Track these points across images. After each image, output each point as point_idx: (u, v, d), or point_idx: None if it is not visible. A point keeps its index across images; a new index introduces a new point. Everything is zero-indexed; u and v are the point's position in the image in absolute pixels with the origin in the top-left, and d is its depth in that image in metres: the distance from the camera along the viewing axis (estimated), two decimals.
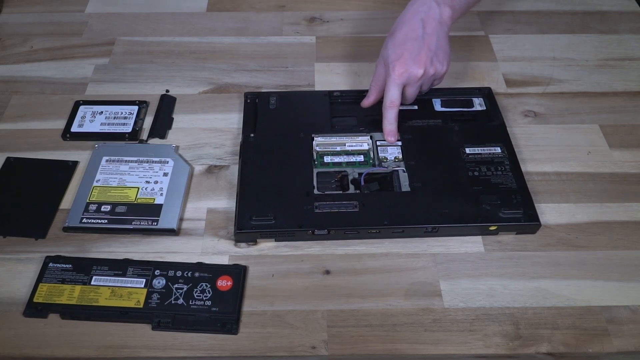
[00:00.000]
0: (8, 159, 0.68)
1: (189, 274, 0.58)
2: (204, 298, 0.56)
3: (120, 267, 0.58)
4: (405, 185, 0.63)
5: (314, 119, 0.71)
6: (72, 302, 0.56)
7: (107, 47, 0.83)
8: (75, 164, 0.68)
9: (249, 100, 0.73)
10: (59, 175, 0.67)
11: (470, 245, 0.61)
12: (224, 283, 0.57)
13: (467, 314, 0.56)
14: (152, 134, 0.71)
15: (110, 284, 0.57)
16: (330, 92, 0.74)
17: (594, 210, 0.64)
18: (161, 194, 0.64)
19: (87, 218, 0.62)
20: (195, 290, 0.57)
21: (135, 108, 0.73)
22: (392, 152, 0.67)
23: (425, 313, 0.56)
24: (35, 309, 0.55)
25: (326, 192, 0.63)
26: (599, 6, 0.91)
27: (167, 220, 0.62)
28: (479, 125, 0.71)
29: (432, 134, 0.69)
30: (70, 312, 0.55)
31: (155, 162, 0.67)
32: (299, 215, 0.60)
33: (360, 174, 0.65)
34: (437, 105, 0.73)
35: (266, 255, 0.61)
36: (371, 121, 0.71)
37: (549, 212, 0.64)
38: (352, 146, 0.68)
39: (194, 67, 0.81)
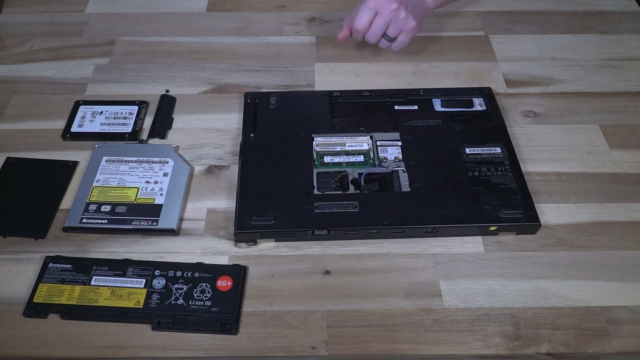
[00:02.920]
0: (8, 159, 0.68)
1: (189, 274, 0.58)
2: (204, 298, 0.56)
3: (120, 267, 0.58)
4: (405, 186, 0.63)
5: (314, 119, 0.71)
6: (72, 302, 0.56)
7: (107, 47, 0.83)
8: (75, 164, 0.68)
9: (248, 100, 0.73)
10: (59, 175, 0.67)
11: (470, 245, 0.61)
12: (224, 283, 0.57)
13: (467, 314, 0.56)
14: (152, 134, 0.71)
15: (110, 284, 0.57)
16: (330, 92, 0.74)
17: (594, 211, 0.64)
18: (161, 194, 0.64)
19: (87, 218, 0.62)
20: (195, 290, 0.57)
21: (135, 108, 0.73)
22: (392, 152, 0.67)
23: (425, 313, 0.56)
24: (35, 309, 0.55)
25: (326, 192, 0.63)
26: (599, 6, 0.91)
27: (167, 220, 0.62)
28: (479, 125, 0.71)
29: (432, 134, 0.69)
30: (70, 312, 0.55)
31: (155, 162, 0.67)
32: (299, 216, 0.60)
33: (360, 174, 0.65)
34: (437, 105, 0.73)
35: (266, 256, 0.61)
36: (371, 121, 0.71)
37: (549, 213, 0.64)
38: (352, 146, 0.68)
39: (194, 67, 0.81)
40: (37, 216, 0.63)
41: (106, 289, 0.57)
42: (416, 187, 0.63)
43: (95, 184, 0.65)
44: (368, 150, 0.67)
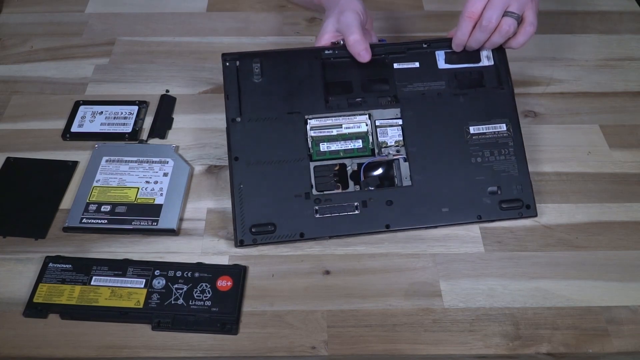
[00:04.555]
0: (8, 159, 0.68)
1: (189, 274, 0.58)
2: (204, 298, 0.56)
3: (120, 267, 0.58)
4: (406, 178, 0.62)
5: (305, 89, 0.64)
6: (72, 302, 0.56)
7: (107, 47, 0.83)
8: (75, 164, 0.68)
9: (227, 64, 0.65)
10: (59, 175, 0.67)
11: (470, 245, 0.61)
12: (224, 283, 0.57)
13: (467, 314, 0.56)
14: (152, 134, 0.71)
15: (110, 284, 0.57)
16: (320, 50, 0.66)
17: (594, 211, 0.64)
18: (161, 194, 0.64)
19: (87, 218, 0.62)
20: (195, 290, 0.57)
21: (135, 108, 0.73)
22: (392, 135, 0.64)
23: (425, 313, 0.56)
24: (35, 309, 0.55)
25: (325, 192, 0.62)
26: (599, 6, 0.91)
27: (167, 220, 0.62)
28: (486, 94, 0.66)
29: (435, 109, 0.64)
30: (70, 312, 0.55)
31: (155, 162, 0.67)
32: (299, 223, 0.60)
33: (359, 165, 0.63)
34: (441, 62, 0.67)
35: (266, 256, 0.61)
36: (369, 83, 0.65)
37: (549, 212, 0.64)
38: (349, 128, 0.64)
39: (194, 67, 0.80)
40: (37, 216, 0.63)
41: (106, 289, 0.57)
42: (417, 180, 0.62)
43: (95, 184, 0.65)
44: (366, 133, 0.64)
